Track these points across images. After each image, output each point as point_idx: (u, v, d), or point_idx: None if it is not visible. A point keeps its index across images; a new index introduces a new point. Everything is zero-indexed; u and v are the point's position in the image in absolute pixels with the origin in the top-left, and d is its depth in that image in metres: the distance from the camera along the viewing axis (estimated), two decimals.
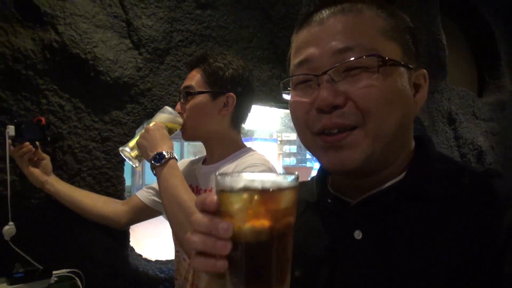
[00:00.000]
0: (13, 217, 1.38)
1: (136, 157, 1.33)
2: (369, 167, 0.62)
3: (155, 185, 1.47)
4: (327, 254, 0.66)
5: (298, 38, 0.67)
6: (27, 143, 1.36)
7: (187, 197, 1.11)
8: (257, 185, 0.47)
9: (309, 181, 0.79)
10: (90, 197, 1.49)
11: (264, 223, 0.47)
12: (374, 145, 0.60)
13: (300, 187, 0.82)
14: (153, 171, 1.21)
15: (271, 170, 1.24)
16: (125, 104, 1.61)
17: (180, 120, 1.30)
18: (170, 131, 1.29)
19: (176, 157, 1.22)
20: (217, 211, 0.49)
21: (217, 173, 0.51)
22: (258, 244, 0.48)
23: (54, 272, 1.35)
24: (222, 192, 0.49)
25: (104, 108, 1.59)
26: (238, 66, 1.31)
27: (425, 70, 0.66)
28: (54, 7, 1.52)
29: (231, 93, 1.28)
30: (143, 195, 1.49)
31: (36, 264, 1.40)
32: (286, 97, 0.70)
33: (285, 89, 0.70)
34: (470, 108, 3.49)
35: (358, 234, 0.62)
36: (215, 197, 0.49)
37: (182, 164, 1.47)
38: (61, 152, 1.53)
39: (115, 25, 1.62)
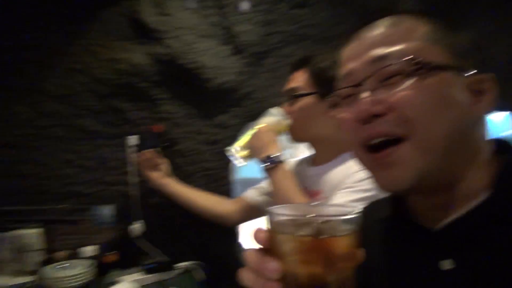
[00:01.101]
0: (142, 215, 1.56)
1: (244, 157, 1.40)
2: (428, 184, 0.56)
3: (262, 184, 1.53)
4: (407, 286, 0.61)
5: (341, 56, 0.67)
6: (148, 150, 1.52)
7: (300, 200, 1.15)
8: (307, 229, 0.42)
9: (385, 198, 0.73)
10: (203, 197, 1.60)
11: (316, 269, 0.42)
12: (426, 159, 0.54)
13: (375, 206, 0.74)
14: (264, 172, 1.27)
15: None
16: (230, 108, 1.71)
17: (287, 122, 1.33)
18: (278, 133, 1.34)
19: (286, 160, 1.26)
20: (270, 248, 0.45)
21: (269, 207, 0.46)
22: None
23: (179, 264, 1.50)
24: (271, 230, 0.45)
25: (212, 113, 1.70)
26: None
27: (491, 74, 0.59)
28: (162, 23, 1.65)
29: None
30: (251, 194, 1.56)
31: (163, 257, 1.57)
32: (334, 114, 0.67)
33: (333, 107, 0.67)
34: None
35: (445, 265, 0.56)
36: (263, 234, 0.45)
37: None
38: (176, 156, 1.67)
39: (217, 34, 1.71)
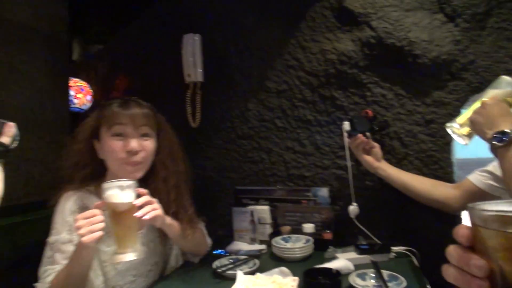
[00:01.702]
0: (355, 198, 1.61)
1: (467, 135, 1.24)
2: None
3: (490, 167, 1.33)
4: None
5: None
6: (360, 135, 1.54)
7: None
8: None
9: None
10: (419, 181, 1.51)
11: None
12: None
13: None
14: (493, 152, 1.09)
15: None
16: (446, 83, 1.54)
17: None
18: (510, 105, 1.13)
19: None
20: (473, 245, 0.42)
21: (472, 203, 0.42)
22: None
23: (394, 248, 1.47)
24: (476, 226, 0.42)
25: (425, 91, 1.57)
26: None
27: None
28: (365, 5, 1.65)
29: None
30: (477, 178, 1.37)
31: (375, 239, 1.57)
32: None
33: None
34: None
35: None
36: (465, 231, 0.43)
37: None
38: (388, 139, 1.64)
39: (424, 3, 1.57)
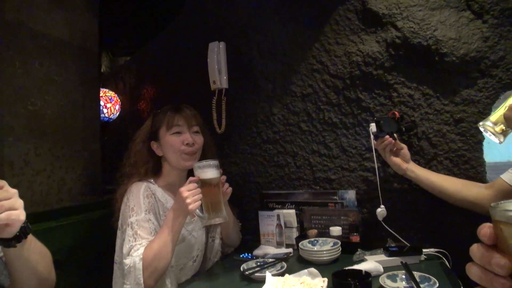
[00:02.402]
0: (383, 200, 1.58)
1: (502, 132, 1.20)
2: None
3: None
4: None
5: None
6: (387, 136, 1.52)
7: None
8: None
9: None
10: (449, 181, 1.48)
11: None
12: None
13: None
14: None
15: None
16: (476, 81, 1.50)
17: None
18: None
19: None
20: (496, 244, 0.43)
21: (493, 203, 0.43)
22: None
23: (424, 250, 1.42)
24: (496, 224, 0.42)
25: (453, 89, 1.54)
26: None
27: None
28: (389, 6, 1.63)
29: None
30: (510, 177, 1.33)
31: (404, 241, 1.54)
32: None
33: None
34: None
35: None
36: (488, 229, 0.43)
37: None
38: (416, 139, 1.61)
39: (451, 2, 1.55)
